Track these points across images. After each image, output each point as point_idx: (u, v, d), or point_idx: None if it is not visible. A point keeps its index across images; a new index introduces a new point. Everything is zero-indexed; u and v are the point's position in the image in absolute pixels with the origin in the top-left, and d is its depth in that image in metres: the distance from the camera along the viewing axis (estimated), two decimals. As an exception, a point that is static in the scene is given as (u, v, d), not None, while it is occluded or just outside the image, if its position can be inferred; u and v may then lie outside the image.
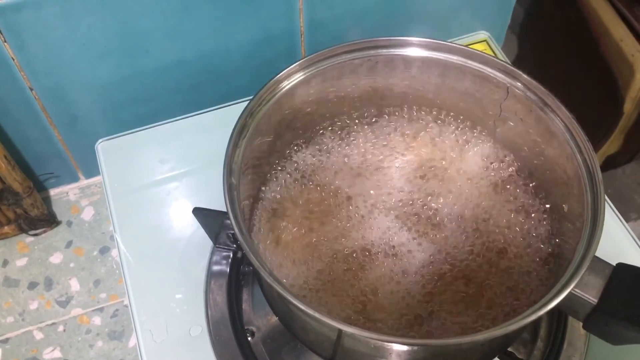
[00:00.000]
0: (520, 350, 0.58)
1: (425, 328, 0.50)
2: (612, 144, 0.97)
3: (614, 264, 0.45)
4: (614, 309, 0.43)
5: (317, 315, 0.41)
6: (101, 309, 0.79)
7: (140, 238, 0.65)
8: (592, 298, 0.43)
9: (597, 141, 0.97)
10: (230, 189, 0.48)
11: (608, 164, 1.00)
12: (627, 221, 0.90)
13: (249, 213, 0.55)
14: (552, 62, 1.05)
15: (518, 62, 1.10)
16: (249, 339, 0.59)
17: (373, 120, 0.61)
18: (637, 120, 0.93)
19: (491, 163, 0.58)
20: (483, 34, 0.83)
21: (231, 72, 0.79)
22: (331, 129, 0.61)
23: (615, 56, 0.88)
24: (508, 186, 0.57)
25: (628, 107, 0.90)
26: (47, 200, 0.86)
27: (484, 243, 0.54)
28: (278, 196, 0.58)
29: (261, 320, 0.60)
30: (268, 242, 0.55)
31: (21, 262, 0.82)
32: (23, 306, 0.79)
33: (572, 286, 0.42)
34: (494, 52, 0.81)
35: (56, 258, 0.82)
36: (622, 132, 0.95)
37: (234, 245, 0.61)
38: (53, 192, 0.87)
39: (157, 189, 0.69)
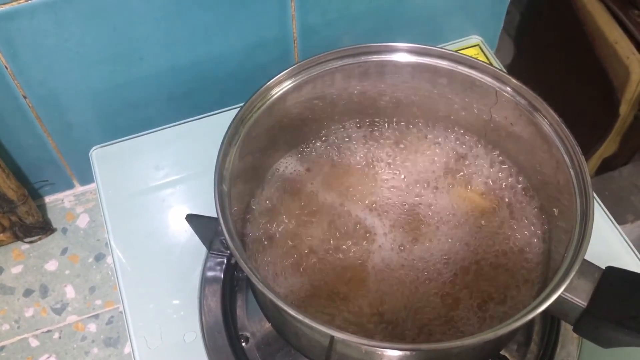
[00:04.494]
0: (513, 354, 0.58)
1: (419, 332, 0.51)
2: (609, 147, 0.98)
3: (604, 267, 0.45)
4: (604, 313, 0.43)
5: (307, 321, 0.41)
6: (96, 316, 0.79)
7: (135, 245, 0.66)
8: (582, 301, 0.43)
9: (593, 144, 0.98)
10: (221, 196, 0.48)
11: (605, 167, 1.00)
12: (624, 223, 0.91)
13: (241, 219, 0.55)
14: (547, 65, 1.05)
15: (513, 65, 1.10)
16: (243, 344, 0.59)
17: (364, 126, 0.61)
18: (633, 123, 0.93)
19: (481, 167, 0.58)
20: (476, 39, 0.83)
21: (225, 79, 0.79)
22: (323, 136, 0.61)
23: (610, 58, 0.88)
24: (499, 190, 0.57)
25: (624, 109, 0.90)
26: (42, 208, 0.86)
27: (474, 246, 0.54)
28: (271, 202, 0.58)
29: (255, 326, 0.60)
30: (261, 248, 0.55)
31: (16, 269, 0.82)
32: (19, 313, 0.79)
33: (561, 290, 0.42)
34: (486, 57, 0.81)
35: (51, 265, 0.82)
36: (618, 134, 0.95)
37: (228, 252, 0.61)
38: (48, 199, 0.87)
39: (152, 195, 0.69)
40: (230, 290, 0.61)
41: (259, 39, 0.76)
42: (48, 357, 0.77)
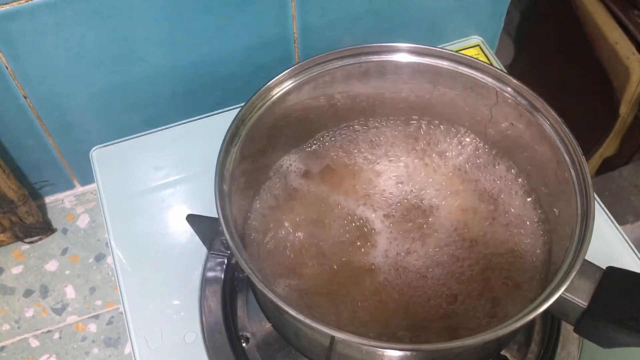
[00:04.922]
0: (514, 354, 0.58)
1: (420, 332, 0.51)
2: (609, 147, 0.98)
3: (605, 268, 0.45)
4: (604, 313, 0.43)
5: (308, 321, 0.41)
6: (97, 316, 0.79)
7: (135, 245, 0.66)
8: (582, 302, 0.43)
9: (593, 144, 0.98)
10: (222, 196, 0.48)
11: (605, 167, 1.00)
12: (624, 224, 0.91)
13: (242, 219, 0.55)
14: (547, 65, 1.05)
15: (514, 66, 1.10)
16: (244, 345, 0.59)
17: (365, 126, 0.61)
18: (633, 123, 0.93)
19: (482, 167, 0.58)
20: (476, 39, 0.83)
21: (226, 79, 0.79)
22: (323, 136, 0.61)
23: (610, 59, 0.88)
24: (500, 190, 0.57)
25: (624, 109, 0.90)
26: (42, 208, 0.86)
27: (474, 247, 0.54)
28: (272, 202, 0.58)
29: (256, 326, 0.60)
30: (262, 248, 0.55)
31: (17, 269, 0.82)
32: (19, 314, 0.79)
33: (562, 290, 0.42)
34: (487, 57, 0.81)
35: (52, 265, 0.82)
36: (618, 134, 0.95)
37: (228, 252, 0.61)
38: (48, 199, 0.87)
39: (152, 195, 0.69)
40: (230, 291, 0.61)
41: (260, 39, 0.76)
42: (48, 358, 0.77)
